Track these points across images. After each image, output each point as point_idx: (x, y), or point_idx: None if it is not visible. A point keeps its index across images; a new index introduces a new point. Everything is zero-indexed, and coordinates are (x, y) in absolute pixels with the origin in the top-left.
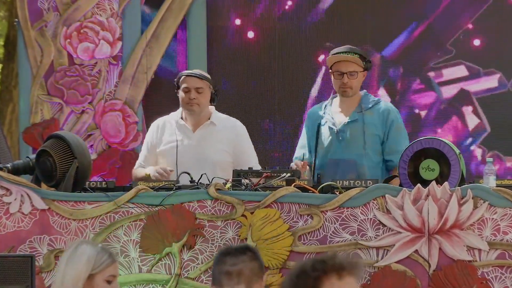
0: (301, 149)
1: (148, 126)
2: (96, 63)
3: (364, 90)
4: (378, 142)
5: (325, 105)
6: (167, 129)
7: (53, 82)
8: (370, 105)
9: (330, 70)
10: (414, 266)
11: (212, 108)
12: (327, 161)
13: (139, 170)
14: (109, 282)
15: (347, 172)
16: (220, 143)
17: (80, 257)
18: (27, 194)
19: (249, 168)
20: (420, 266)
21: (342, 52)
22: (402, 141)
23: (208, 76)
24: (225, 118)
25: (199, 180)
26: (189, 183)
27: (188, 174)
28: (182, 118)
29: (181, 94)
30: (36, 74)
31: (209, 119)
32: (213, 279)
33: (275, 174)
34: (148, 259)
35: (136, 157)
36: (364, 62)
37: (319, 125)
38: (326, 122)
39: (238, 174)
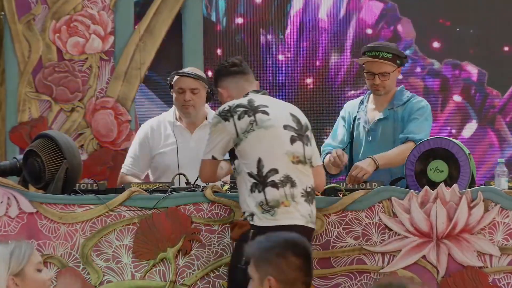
0: (333, 140)
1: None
2: (87, 58)
3: (402, 86)
4: None
5: (362, 100)
6: (163, 130)
7: (42, 78)
8: (402, 102)
9: (363, 69)
10: (422, 273)
11: (207, 107)
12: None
13: (128, 178)
14: (39, 270)
15: (379, 172)
16: None
17: None
18: (14, 197)
19: None
20: (428, 272)
21: (374, 52)
22: (420, 126)
23: (203, 75)
24: None
25: (195, 182)
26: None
27: (184, 175)
28: (176, 118)
29: (175, 95)
30: (24, 70)
31: (206, 119)
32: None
33: None
34: (142, 265)
35: None
36: (398, 61)
37: (354, 120)
38: (360, 118)
39: None
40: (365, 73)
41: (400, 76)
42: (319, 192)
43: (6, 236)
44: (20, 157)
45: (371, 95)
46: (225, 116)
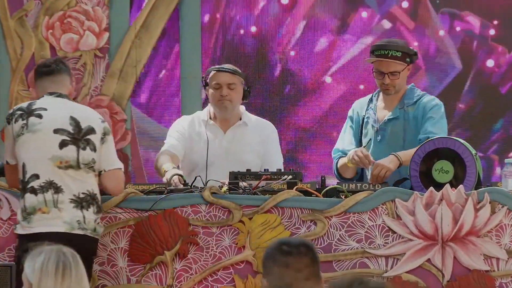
0: (341, 145)
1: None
2: (81, 55)
3: (412, 84)
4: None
5: (371, 98)
6: (196, 127)
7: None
8: (413, 101)
9: (372, 68)
10: (427, 277)
11: (242, 107)
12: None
13: (163, 158)
14: None
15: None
16: (252, 145)
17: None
18: (6, 199)
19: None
20: (433, 276)
21: (383, 51)
22: (438, 125)
23: (240, 71)
24: (257, 119)
25: (192, 183)
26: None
27: (181, 176)
28: (210, 118)
29: (211, 91)
30: (16, 67)
31: (240, 119)
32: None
33: (275, 177)
34: (138, 268)
35: (124, 158)
36: (408, 58)
37: (363, 119)
38: (369, 117)
39: (235, 177)
40: (374, 73)
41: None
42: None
43: None
44: None
45: (381, 93)
46: (8, 119)
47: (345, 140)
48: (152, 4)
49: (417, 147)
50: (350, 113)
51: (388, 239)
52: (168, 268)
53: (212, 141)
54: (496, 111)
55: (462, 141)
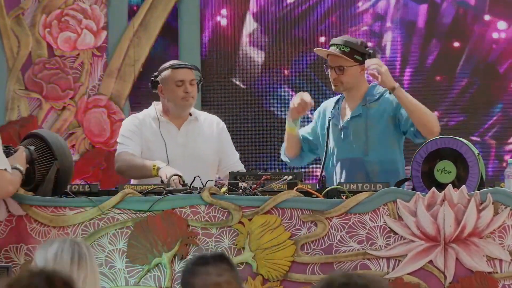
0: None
1: None
2: (79, 54)
3: (373, 83)
4: (389, 132)
5: (338, 99)
6: (148, 125)
7: (31, 75)
8: (375, 97)
9: None
10: (429, 278)
11: None
12: (334, 161)
13: (135, 157)
14: None
15: (354, 171)
16: (206, 139)
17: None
18: (3, 199)
19: (243, 170)
20: (435, 278)
21: (334, 46)
22: None
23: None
24: (204, 113)
25: (191, 183)
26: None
27: (180, 176)
28: (160, 115)
29: (172, 88)
30: (13, 67)
31: (190, 114)
32: None
33: (275, 177)
34: (136, 270)
35: None
36: (356, 56)
37: (329, 121)
38: (333, 117)
39: (235, 177)
40: (325, 67)
41: None
42: None
43: None
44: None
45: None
46: None
47: (304, 128)
48: (151, 2)
49: (418, 148)
50: (316, 112)
51: (390, 240)
52: (167, 269)
53: (167, 139)
54: (493, 92)
55: (464, 141)
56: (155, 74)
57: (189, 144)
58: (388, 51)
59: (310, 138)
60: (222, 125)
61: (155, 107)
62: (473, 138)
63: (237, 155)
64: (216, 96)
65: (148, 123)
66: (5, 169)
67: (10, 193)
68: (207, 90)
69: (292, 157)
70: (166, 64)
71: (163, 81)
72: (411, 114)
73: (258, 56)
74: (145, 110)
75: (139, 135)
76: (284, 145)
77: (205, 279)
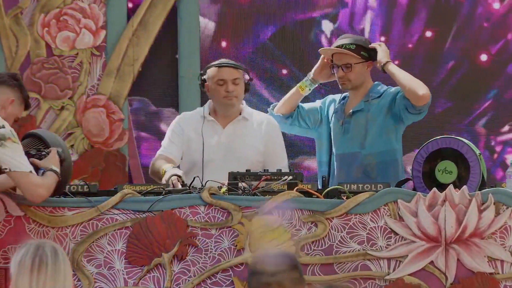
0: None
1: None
2: (77, 54)
3: (377, 82)
4: (387, 125)
5: (345, 96)
6: (194, 124)
7: (30, 75)
8: (378, 94)
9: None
10: (430, 279)
11: (242, 102)
12: (334, 157)
13: (159, 162)
14: None
15: (351, 165)
16: (252, 141)
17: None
18: (1, 199)
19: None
20: (436, 278)
21: (339, 44)
22: None
23: (241, 64)
24: (258, 113)
25: (191, 183)
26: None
27: (179, 177)
28: (210, 113)
29: (214, 87)
30: (11, 66)
31: (240, 113)
32: None
33: (275, 177)
34: (135, 271)
35: (122, 158)
36: (363, 52)
37: (332, 115)
38: (337, 111)
39: (235, 177)
40: (330, 66)
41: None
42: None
43: None
44: None
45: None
46: None
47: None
48: (150, 1)
49: (420, 148)
50: (321, 101)
51: (390, 240)
52: (166, 270)
53: (209, 138)
54: (484, 77)
55: (465, 141)
56: (202, 72)
57: (232, 145)
58: (366, 34)
59: (306, 108)
60: (273, 125)
61: (207, 105)
62: (461, 126)
63: (285, 159)
64: None
65: (194, 121)
66: (30, 171)
67: (42, 196)
68: None
69: (283, 113)
70: (213, 63)
71: (208, 80)
72: (400, 82)
73: None
74: (198, 108)
75: (181, 135)
76: (281, 101)
77: (258, 278)
